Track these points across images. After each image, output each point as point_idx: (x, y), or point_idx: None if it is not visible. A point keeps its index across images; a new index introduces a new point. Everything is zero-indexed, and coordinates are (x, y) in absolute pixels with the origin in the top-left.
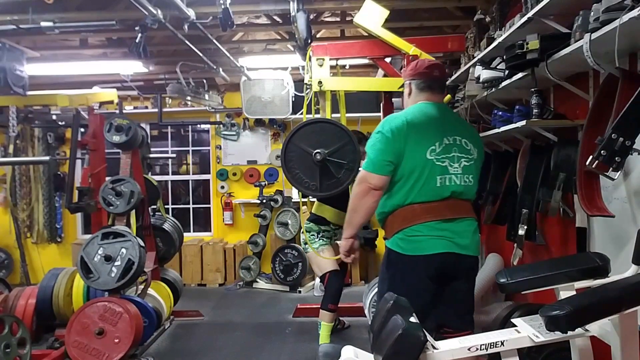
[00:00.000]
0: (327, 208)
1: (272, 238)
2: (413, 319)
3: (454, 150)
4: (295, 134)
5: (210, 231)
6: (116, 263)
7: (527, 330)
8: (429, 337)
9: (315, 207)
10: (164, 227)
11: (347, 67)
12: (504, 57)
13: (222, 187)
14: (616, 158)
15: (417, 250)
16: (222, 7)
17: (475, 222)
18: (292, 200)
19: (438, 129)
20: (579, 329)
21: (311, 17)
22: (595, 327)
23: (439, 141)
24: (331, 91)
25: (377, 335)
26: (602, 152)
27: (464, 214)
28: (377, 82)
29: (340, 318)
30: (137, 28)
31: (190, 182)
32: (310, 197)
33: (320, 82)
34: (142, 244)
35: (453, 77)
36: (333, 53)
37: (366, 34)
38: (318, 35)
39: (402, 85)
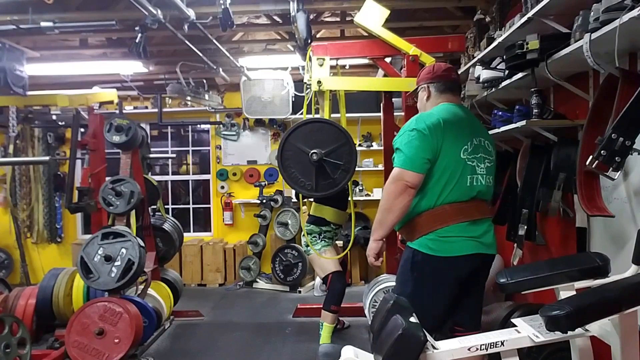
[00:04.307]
0: (326, 208)
1: (272, 238)
2: (413, 319)
3: (480, 151)
4: (293, 133)
5: (210, 231)
6: (116, 263)
7: (527, 330)
8: (429, 337)
9: (313, 208)
10: (164, 227)
11: (347, 67)
12: (504, 57)
13: (222, 187)
14: (616, 158)
15: (449, 251)
16: (222, 7)
17: (491, 221)
18: (292, 200)
19: (468, 129)
20: (579, 329)
21: (311, 17)
22: (595, 327)
23: (470, 141)
24: (331, 91)
25: (377, 335)
26: (602, 152)
27: (486, 214)
28: (377, 82)
29: (340, 318)
30: (137, 28)
31: (190, 182)
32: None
33: (319, 82)
34: (142, 244)
35: None
36: (333, 53)
37: (366, 34)
38: (318, 35)
39: (416, 90)
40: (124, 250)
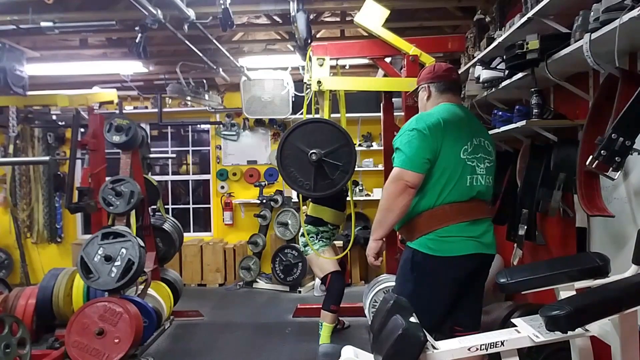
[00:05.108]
0: (324, 209)
1: (272, 238)
2: (413, 319)
3: (480, 151)
4: (293, 132)
5: (210, 231)
6: (116, 263)
7: (527, 330)
8: (429, 337)
9: (311, 208)
10: (164, 227)
11: (347, 67)
12: (504, 57)
13: (222, 187)
14: (616, 158)
15: (449, 251)
16: (222, 7)
17: (491, 221)
18: (292, 200)
19: (468, 129)
20: (579, 329)
21: (311, 17)
22: (595, 327)
23: (470, 141)
24: (331, 91)
25: (377, 335)
26: (602, 152)
27: (486, 214)
28: (377, 82)
29: (340, 318)
30: (137, 28)
31: (190, 182)
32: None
33: (319, 82)
34: (142, 244)
35: None
36: (333, 53)
37: (366, 34)
38: (318, 35)
39: (416, 89)
40: (124, 250)
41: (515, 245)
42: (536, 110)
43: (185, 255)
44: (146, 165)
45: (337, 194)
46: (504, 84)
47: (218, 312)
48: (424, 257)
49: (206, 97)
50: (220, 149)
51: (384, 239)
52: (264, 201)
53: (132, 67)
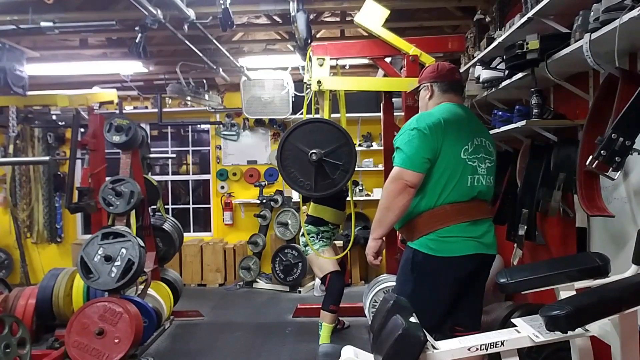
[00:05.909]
0: (325, 208)
1: (272, 238)
2: (413, 319)
3: (481, 151)
4: (292, 133)
5: (210, 231)
6: (116, 263)
7: (527, 330)
8: (429, 337)
9: (311, 208)
10: (164, 227)
11: (347, 67)
12: (504, 57)
13: (222, 187)
14: (616, 158)
15: (450, 251)
16: (222, 7)
17: (492, 221)
18: (292, 200)
19: (469, 129)
20: (579, 329)
21: (311, 17)
22: (595, 327)
23: (470, 141)
24: (331, 91)
25: (377, 335)
26: (602, 152)
27: (487, 215)
28: (377, 82)
29: (340, 318)
30: (137, 28)
31: (190, 182)
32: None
33: (319, 82)
34: (142, 244)
35: None
36: (333, 53)
37: (366, 34)
38: (318, 35)
39: (418, 88)
40: (124, 250)
41: (515, 245)
42: (536, 110)
43: (185, 255)
44: (146, 165)
45: (338, 194)
46: (504, 84)
47: (218, 312)
48: (425, 257)
49: (206, 97)
50: (220, 149)
51: (383, 238)
52: (264, 201)
53: (132, 67)
